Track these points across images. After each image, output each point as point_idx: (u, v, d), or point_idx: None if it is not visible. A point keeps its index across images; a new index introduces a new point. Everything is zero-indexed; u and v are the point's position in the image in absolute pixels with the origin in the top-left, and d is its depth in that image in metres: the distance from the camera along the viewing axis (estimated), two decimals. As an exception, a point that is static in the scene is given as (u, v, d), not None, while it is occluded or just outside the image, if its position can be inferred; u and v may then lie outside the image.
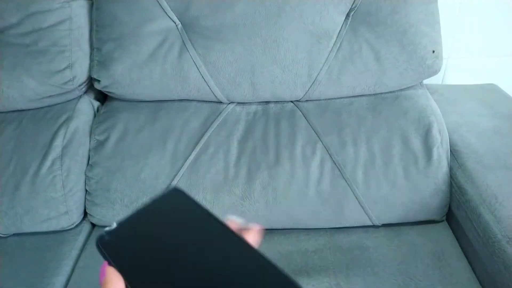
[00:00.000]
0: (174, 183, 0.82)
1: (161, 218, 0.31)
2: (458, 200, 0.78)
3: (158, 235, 0.30)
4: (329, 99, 0.90)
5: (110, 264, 0.29)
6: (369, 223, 0.81)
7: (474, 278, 0.72)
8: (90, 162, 0.88)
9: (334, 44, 0.84)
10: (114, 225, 0.31)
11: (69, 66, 0.89)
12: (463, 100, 0.96)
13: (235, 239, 0.29)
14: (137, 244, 0.30)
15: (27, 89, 0.89)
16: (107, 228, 0.31)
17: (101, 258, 0.84)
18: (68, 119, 0.90)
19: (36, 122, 0.90)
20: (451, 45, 1.07)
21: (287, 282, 0.26)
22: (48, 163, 0.85)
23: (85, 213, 0.89)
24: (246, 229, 0.31)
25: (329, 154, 0.82)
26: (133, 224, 0.31)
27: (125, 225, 0.31)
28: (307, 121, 0.87)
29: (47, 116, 0.91)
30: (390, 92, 0.89)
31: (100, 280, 0.27)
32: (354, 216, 0.80)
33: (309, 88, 0.87)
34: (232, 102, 0.92)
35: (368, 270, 0.73)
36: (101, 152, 0.87)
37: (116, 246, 0.30)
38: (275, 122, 0.88)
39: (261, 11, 0.83)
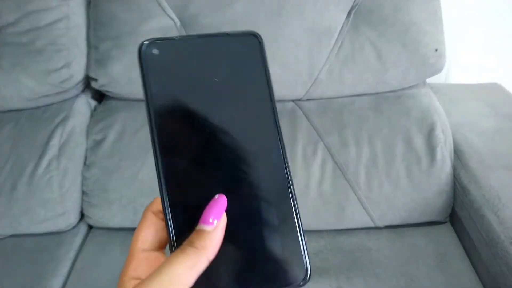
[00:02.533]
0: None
1: (219, 59, 0.26)
2: (461, 201, 0.78)
3: (203, 76, 0.25)
4: (330, 98, 0.89)
5: (142, 77, 0.25)
6: (371, 225, 0.80)
7: (477, 280, 0.71)
8: (87, 162, 0.87)
9: (335, 43, 0.83)
10: (169, 37, 0.26)
11: (67, 65, 0.89)
12: (466, 100, 0.95)
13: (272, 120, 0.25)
14: (178, 77, 0.25)
15: (24, 88, 0.88)
16: (157, 38, 0.26)
17: (98, 259, 0.83)
18: (65, 119, 0.89)
19: (33, 122, 0.90)
20: (454, 44, 1.06)
21: (298, 257, 0.24)
22: (45, 163, 0.84)
23: (82, 215, 0.88)
24: None
25: (331, 154, 0.81)
26: (187, 48, 0.26)
27: (179, 44, 0.26)
28: (308, 121, 0.86)
29: (44, 116, 0.91)
30: (393, 91, 0.88)
31: (208, 219, 0.24)
32: (356, 217, 0.79)
33: (310, 87, 0.86)
34: (232, 102, 0.91)
35: (370, 272, 0.73)
36: (98, 152, 0.86)
37: (156, 62, 0.25)
38: (276, 121, 0.87)
39: (261, 9, 0.82)
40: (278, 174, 0.25)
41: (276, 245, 0.24)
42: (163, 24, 0.86)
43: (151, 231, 0.25)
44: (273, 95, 0.26)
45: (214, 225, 0.23)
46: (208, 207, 0.23)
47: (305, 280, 0.23)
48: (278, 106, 0.90)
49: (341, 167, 0.80)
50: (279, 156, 0.25)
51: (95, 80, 0.90)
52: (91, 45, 0.90)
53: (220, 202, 0.24)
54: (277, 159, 0.25)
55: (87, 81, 0.94)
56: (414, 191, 0.78)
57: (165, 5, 0.85)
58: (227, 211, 0.24)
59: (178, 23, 0.87)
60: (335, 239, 0.80)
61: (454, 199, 0.80)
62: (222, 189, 0.24)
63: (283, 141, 0.25)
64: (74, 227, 0.87)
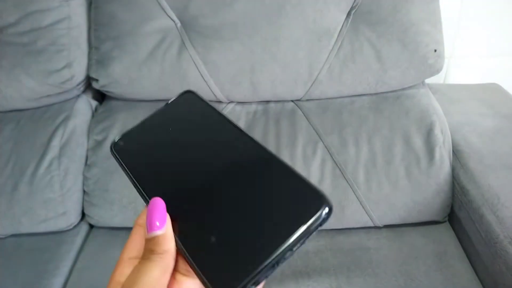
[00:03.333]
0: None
1: (175, 122, 0.31)
2: (460, 201, 0.78)
3: (171, 138, 0.30)
4: (330, 98, 0.89)
5: (122, 168, 0.29)
6: (371, 224, 0.80)
7: (476, 279, 0.71)
8: (88, 162, 0.87)
9: (335, 43, 0.84)
10: (128, 129, 0.31)
11: (68, 65, 0.89)
12: (465, 100, 0.95)
13: (249, 140, 0.28)
14: (150, 148, 0.30)
15: (25, 88, 0.88)
16: (121, 134, 0.31)
17: (99, 259, 0.84)
18: (66, 119, 0.89)
19: (34, 122, 0.90)
20: (453, 44, 1.07)
21: (307, 188, 0.23)
22: (46, 163, 0.84)
23: (83, 214, 0.88)
24: None
25: (330, 154, 0.81)
26: (147, 128, 0.31)
27: (138, 129, 0.31)
28: (308, 121, 0.86)
29: (45, 116, 0.91)
30: (392, 91, 0.89)
31: (153, 226, 0.25)
32: (355, 217, 0.79)
33: (309, 87, 0.86)
34: (232, 102, 0.92)
35: (369, 272, 0.73)
36: (99, 152, 0.86)
37: (128, 150, 0.30)
38: (275, 121, 0.87)
39: (261, 9, 0.83)
40: (249, 152, 0.27)
41: (274, 192, 0.24)
42: (163, 24, 0.86)
43: (137, 241, 0.26)
44: (227, 116, 0.30)
45: (164, 228, 0.24)
46: (149, 213, 0.25)
47: (324, 203, 0.22)
48: (278, 106, 0.90)
49: (341, 167, 0.80)
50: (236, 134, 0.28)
51: (96, 80, 0.90)
52: (92, 46, 0.90)
53: (158, 205, 0.25)
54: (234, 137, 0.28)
55: (88, 81, 0.95)
56: (413, 191, 0.78)
57: (166, 5, 0.86)
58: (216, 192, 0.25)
59: (179, 23, 0.87)
60: (334, 239, 0.80)
61: (453, 199, 0.80)
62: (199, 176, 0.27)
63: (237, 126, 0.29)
64: (75, 226, 0.88)
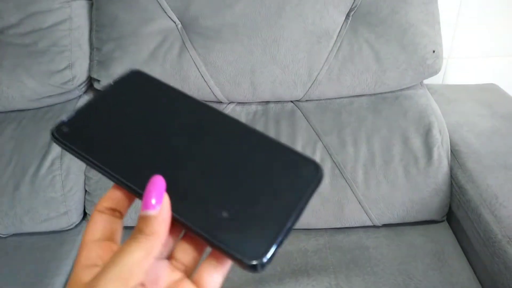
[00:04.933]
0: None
1: (123, 99, 0.29)
2: (459, 200, 0.78)
3: (122, 115, 0.28)
4: (329, 99, 0.90)
5: (72, 152, 0.26)
6: (369, 223, 0.81)
7: (475, 278, 0.72)
8: (90, 162, 0.88)
9: (334, 44, 0.84)
10: (70, 113, 0.28)
11: (69, 66, 0.89)
12: (463, 100, 0.96)
13: (210, 110, 0.27)
14: (100, 128, 0.27)
15: (27, 89, 0.89)
16: (63, 118, 0.28)
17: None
18: (68, 119, 0.90)
19: (36, 122, 0.90)
20: (451, 45, 1.07)
21: (296, 155, 0.25)
22: (47, 163, 0.85)
23: (85, 213, 0.89)
24: None
25: (329, 154, 0.82)
26: (95, 109, 0.28)
27: (83, 112, 0.28)
28: (307, 121, 0.87)
29: (46, 116, 0.91)
30: (390, 92, 0.89)
31: (149, 204, 0.23)
32: (354, 216, 0.80)
33: (309, 88, 0.87)
34: (232, 102, 0.92)
35: (368, 270, 0.73)
36: (101, 152, 0.87)
37: (76, 133, 0.27)
38: (275, 122, 0.88)
39: (261, 11, 0.83)
40: (219, 124, 0.27)
41: (267, 170, 0.25)
42: (164, 25, 0.87)
43: (99, 225, 0.24)
44: (180, 90, 0.29)
45: (158, 208, 0.23)
46: (146, 190, 0.23)
47: (318, 169, 0.25)
48: (278, 106, 0.91)
49: (340, 167, 0.81)
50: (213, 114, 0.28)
51: (98, 81, 0.91)
52: (94, 47, 0.91)
53: (157, 183, 0.23)
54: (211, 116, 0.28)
55: (90, 82, 0.95)
56: (412, 191, 0.79)
57: (166, 6, 0.86)
58: (204, 171, 0.25)
59: (179, 24, 0.88)
60: (333, 238, 0.80)
61: (451, 198, 0.80)
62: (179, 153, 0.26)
63: (213, 107, 0.28)
64: (77, 226, 0.88)
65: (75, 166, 0.87)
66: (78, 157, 0.27)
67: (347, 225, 0.81)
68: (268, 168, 0.25)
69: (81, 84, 0.93)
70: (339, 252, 0.77)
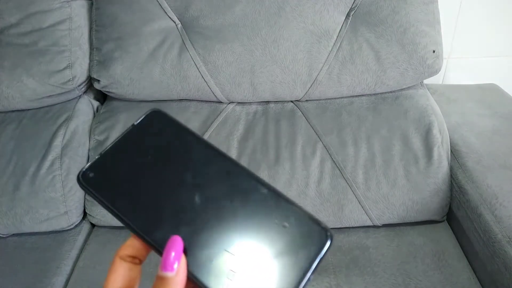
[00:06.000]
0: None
1: (145, 144, 0.29)
2: (459, 200, 0.78)
3: (143, 162, 0.28)
4: (329, 98, 0.90)
5: (95, 199, 0.27)
6: (369, 223, 0.81)
7: (475, 278, 0.72)
8: (90, 162, 0.88)
9: (334, 44, 0.84)
10: (96, 157, 0.28)
11: (69, 66, 0.89)
12: (463, 100, 0.96)
13: (227, 161, 0.27)
14: (122, 175, 0.28)
15: (27, 89, 0.89)
16: (88, 164, 0.28)
17: (101, 258, 0.84)
18: (68, 119, 0.90)
19: (36, 122, 0.90)
20: (451, 45, 1.07)
21: (310, 221, 0.24)
22: (47, 163, 0.85)
23: (85, 213, 0.89)
24: None
25: (329, 154, 0.82)
26: (116, 154, 0.29)
27: (107, 156, 0.28)
28: (307, 121, 0.87)
29: (46, 116, 0.91)
30: (391, 92, 0.89)
31: (168, 266, 0.23)
32: (354, 216, 0.80)
33: (309, 88, 0.87)
34: (232, 102, 0.92)
35: (368, 270, 0.73)
36: (101, 152, 0.87)
37: (100, 181, 0.27)
38: (275, 122, 0.88)
39: (261, 11, 0.83)
40: (236, 177, 0.27)
41: (278, 233, 0.24)
42: (164, 25, 0.87)
43: (120, 272, 0.25)
44: (199, 136, 0.29)
45: (175, 270, 0.23)
46: (165, 251, 0.24)
47: (328, 236, 0.24)
48: (278, 106, 0.91)
49: (340, 167, 0.81)
50: (225, 161, 0.27)
51: (98, 81, 0.91)
52: (93, 47, 0.91)
53: (176, 245, 0.24)
54: (223, 165, 0.27)
55: (90, 82, 0.95)
56: (412, 191, 0.79)
57: (166, 6, 0.86)
58: (207, 226, 0.25)
59: (179, 24, 0.88)
60: (333, 238, 0.80)
61: (451, 198, 0.81)
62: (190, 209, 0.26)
63: (231, 157, 0.28)
64: (77, 226, 0.88)
65: (75, 166, 0.87)
66: (101, 205, 0.27)
67: (347, 225, 0.81)
68: (278, 233, 0.24)
69: (81, 84, 0.93)
70: (339, 252, 0.77)
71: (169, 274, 0.23)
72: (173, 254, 0.23)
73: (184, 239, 0.24)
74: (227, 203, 0.26)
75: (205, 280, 0.24)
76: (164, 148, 0.29)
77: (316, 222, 0.24)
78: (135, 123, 0.30)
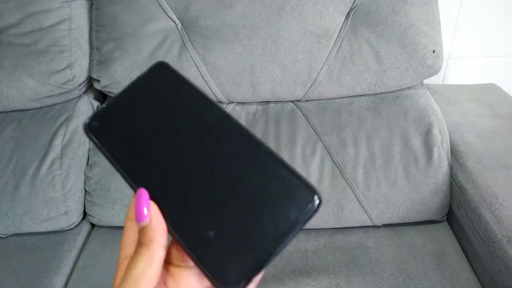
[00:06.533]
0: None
1: (149, 97, 0.29)
2: (459, 200, 0.78)
3: (148, 113, 0.28)
4: (329, 98, 0.90)
5: (99, 149, 0.28)
6: (369, 223, 0.81)
7: (475, 278, 0.72)
8: (89, 162, 0.88)
9: (334, 44, 0.84)
10: (101, 108, 0.29)
11: (69, 66, 0.89)
12: (463, 100, 0.96)
13: (233, 123, 0.27)
14: (126, 127, 0.28)
15: (27, 89, 0.89)
16: (94, 112, 0.29)
17: (101, 258, 0.84)
18: (68, 119, 0.90)
19: (36, 122, 0.90)
20: (451, 45, 1.07)
21: (297, 179, 0.24)
22: (47, 163, 0.85)
23: (85, 213, 0.89)
24: None
25: (329, 154, 0.82)
26: (120, 105, 0.29)
27: (112, 107, 0.29)
28: (307, 121, 0.87)
29: (46, 116, 0.91)
30: (391, 92, 0.89)
31: (140, 217, 0.24)
32: (354, 216, 0.80)
33: (309, 88, 0.87)
34: (232, 102, 0.92)
35: (368, 270, 0.73)
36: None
37: (104, 130, 0.28)
38: (275, 122, 0.88)
39: (261, 11, 0.83)
40: (232, 136, 0.26)
41: (265, 191, 0.24)
42: (164, 25, 0.87)
43: (131, 237, 0.25)
44: (203, 92, 0.29)
45: (147, 217, 0.24)
46: (135, 205, 0.24)
47: (313, 198, 0.23)
48: (278, 106, 0.91)
49: (340, 167, 0.81)
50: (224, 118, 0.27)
51: (98, 81, 0.91)
52: (93, 47, 0.91)
53: (141, 196, 0.25)
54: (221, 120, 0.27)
55: (90, 82, 0.95)
56: (412, 191, 0.79)
57: (166, 6, 0.86)
58: (200, 183, 0.25)
59: (179, 24, 0.88)
60: (334, 238, 0.81)
61: (451, 198, 0.81)
62: (185, 164, 0.26)
63: (231, 116, 0.27)
64: (77, 226, 0.88)
65: (75, 166, 0.87)
66: (102, 154, 0.28)
67: (347, 225, 0.81)
68: (264, 190, 0.24)
69: (81, 84, 0.93)
70: (339, 252, 0.77)
71: (143, 223, 0.24)
72: (141, 205, 0.24)
73: (168, 194, 0.25)
74: (215, 158, 0.25)
75: (183, 236, 0.24)
76: (166, 102, 0.29)
77: (305, 183, 0.23)
78: (140, 75, 0.30)
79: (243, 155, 0.25)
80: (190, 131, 0.27)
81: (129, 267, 0.23)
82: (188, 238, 0.24)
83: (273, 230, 0.23)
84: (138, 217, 0.24)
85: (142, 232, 0.24)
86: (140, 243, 0.24)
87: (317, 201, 0.23)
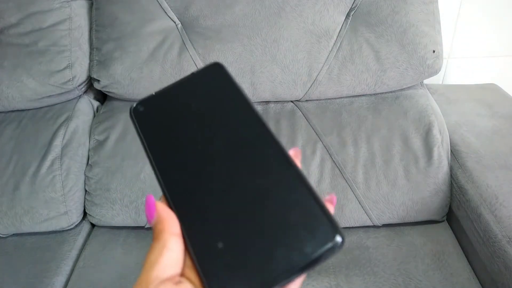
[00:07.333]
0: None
1: (198, 95, 0.29)
2: (459, 200, 0.78)
3: (191, 113, 0.28)
4: (329, 98, 0.90)
5: (138, 134, 0.28)
6: (369, 223, 0.81)
7: (475, 278, 0.72)
8: (89, 162, 0.88)
9: (334, 44, 0.84)
10: (150, 94, 0.29)
11: (69, 66, 0.89)
12: (463, 100, 0.96)
13: (271, 140, 0.26)
14: (168, 120, 0.28)
15: (27, 89, 0.89)
16: (142, 98, 0.29)
17: (101, 258, 0.84)
18: (68, 119, 0.90)
19: (36, 122, 0.90)
20: (451, 45, 1.07)
21: (323, 213, 0.22)
22: (47, 163, 0.85)
23: (85, 213, 0.89)
24: None
25: (329, 154, 0.82)
26: (168, 97, 0.30)
27: (160, 97, 0.30)
28: (307, 121, 0.87)
29: (46, 116, 0.91)
30: (391, 92, 0.89)
31: (149, 218, 0.25)
32: (354, 216, 0.80)
33: (309, 88, 0.87)
34: (232, 102, 0.92)
35: (368, 270, 0.73)
36: (101, 152, 0.87)
37: (147, 118, 0.29)
38: (275, 122, 0.88)
39: (261, 11, 0.83)
40: (269, 154, 0.25)
41: (288, 216, 0.23)
42: (164, 25, 0.87)
43: (176, 254, 0.23)
44: (251, 103, 0.28)
45: (155, 215, 0.25)
46: (146, 211, 0.25)
47: (336, 234, 0.21)
48: (278, 106, 0.91)
49: (340, 167, 0.81)
50: (268, 140, 0.26)
51: (97, 81, 0.91)
52: (93, 47, 0.91)
53: (148, 202, 0.25)
54: (265, 143, 0.26)
55: (90, 82, 0.95)
56: (412, 191, 0.79)
57: (166, 6, 0.86)
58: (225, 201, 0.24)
59: (179, 24, 0.88)
60: (343, 242, 0.80)
61: (451, 198, 0.81)
62: (219, 184, 0.25)
63: (272, 132, 0.27)
64: (77, 226, 0.88)
65: (75, 166, 0.87)
66: (139, 138, 0.28)
67: (347, 225, 0.81)
68: (285, 214, 0.22)
69: (81, 84, 0.93)
70: (339, 252, 0.77)
71: (152, 221, 0.25)
72: (149, 209, 0.25)
73: (189, 196, 0.25)
74: (245, 175, 0.25)
75: (191, 239, 0.23)
76: (212, 103, 0.29)
77: (329, 219, 0.22)
78: (194, 72, 0.30)
79: (273, 175, 0.24)
80: (227, 139, 0.27)
81: (145, 260, 0.23)
82: (196, 244, 0.23)
83: (284, 260, 0.21)
84: (149, 216, 0.25)
85: (153, 229, 0.24)
86: (153, 238, 0.24)
87: (338, 241, 0.21)
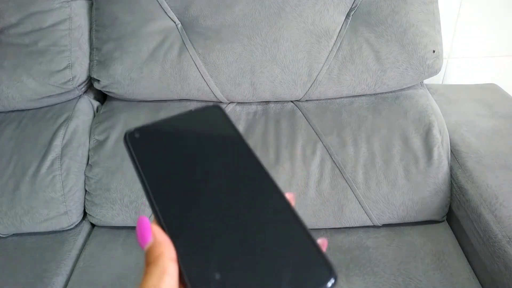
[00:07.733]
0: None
1: (196, 130, 0.30)
2: (459, 200, 0.78)
3: (189, 146, 0.29)
4: (329, 98, 0.90)
5: (131, 160, 0.28)
6: (369, 223, 0.81)
7: (475, 278, 0.72)
8: (89, 162, 0.88)
9: (334, 44, 0.84)
10: (147, 123, 0.30)
11: (69, 66, 0.89)
12: (463, 100, 0.96)
13: (267, 178, 0.27)
14: (163, 150, 0.29)
15: (27, 89, 0.89)
16: (138, 126, 0.30)
17: (100, 258, 0.84)
18: (68, 119, 0.90)
19: (36, 122, 0.90)
20: (451, 45, 1.07)
21: (316, 254, 0.23)
22: (47, 163, 0.85)
23: (85, 213, 0.89)
24: None
25: (329, 154, 0.82)
26: (166, 128, 0.30)
27: (157, 126, 0.30)
28: (307, 121, 0.87)
29: (46, 116, 0.91)
30: (391, 92, 0.89)
31: (143, 240, 0.24)
32: (354, 216, 0.80)
33: (309, 88, 0.87)
34: (232, 102, 0.92)
35: (368, 270, 0.73)
36: (101, 152, 0.87)
37: (142, 145, 0.29)
38: (275, 122, 0.88)
39: (261, 11, 0.83)
40: (265, 192, 0.26)
41: (284, 253, 0.23)
42: (164, 25, 0.87)
43: (174, 280, 0.23)
44: (248, 144, 0.29)
45: (151, 236, 0.24)
46: (138, 233, 0.25)
47: (331, 275, 0.22)
48: (278, 106, 0.91)
49: (340, 167, 0.81)
50: (262, 176, 0.27)
51: (97, 81, 0.91)
52: (93, 47, 0.91)
53: (143, 223, 0.25)
54: (260, 179, 0.27)
55: (90, 82, 0.95)
56: (412, 191, 0.79)
57: (166, 6, 0.86)
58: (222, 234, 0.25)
59: (179, 24, 0.88)
60: (333, 238, 0.80)
61: (451, 198, 0.81)
62: (216, 214, 0.25)
63: (266, 169, 0.28)
64: (77, 226, 0.88)
65: (75, 166, 0.87)
66: (133, 164, 0.28)
67: (347, 225, 0.81)
68: (279, 252, 0.23)
69: (81, 84, 0.93)
70: (339, 252, 0.77)
71: (148, 243, 0.24)
72: (143, 231, 0.24)
73: (184, 225, 0.25)
74: (242, 211, 0.25)
75: (187, 269, 0.23)
76: (209, 141, 0.29)
77: (324, 259, 0.23)
78: (193, 109, 0.31)
79: (269, 214, 0.25)
80: (224, 175, 0.27)
81: (142, 285, 0.22)
82: (192, 274, 0.23)
83: None
84: (142, 239, 0.24)
85: (148, 253, 0.24)
86: (148, 263, 0.23)
87: (331, 282, 0.22)
